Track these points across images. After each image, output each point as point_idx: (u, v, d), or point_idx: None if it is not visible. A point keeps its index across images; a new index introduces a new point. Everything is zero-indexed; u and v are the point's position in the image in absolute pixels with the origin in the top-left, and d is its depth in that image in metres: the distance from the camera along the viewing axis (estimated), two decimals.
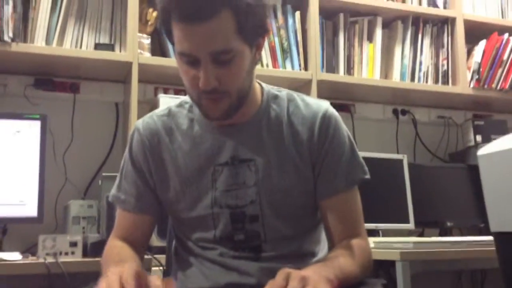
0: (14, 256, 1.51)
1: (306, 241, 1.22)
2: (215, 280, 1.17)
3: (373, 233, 2.27)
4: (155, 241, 1.64)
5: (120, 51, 2.15)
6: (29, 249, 1.89)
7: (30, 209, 1.89)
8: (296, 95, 1.24)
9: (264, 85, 1.25)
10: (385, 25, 2.66)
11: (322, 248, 1.26)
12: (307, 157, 1.18)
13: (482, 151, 1.43)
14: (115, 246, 1.20)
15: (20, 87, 2.16)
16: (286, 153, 1.18)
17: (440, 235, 2.53)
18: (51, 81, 2.22)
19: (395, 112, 2.82)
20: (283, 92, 1.25)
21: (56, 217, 2.09)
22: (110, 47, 2.12)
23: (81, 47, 2.10)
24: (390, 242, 1.92)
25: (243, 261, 1.16)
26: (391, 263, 1.81)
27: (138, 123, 1.26)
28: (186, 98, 1.27)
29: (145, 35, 2.20)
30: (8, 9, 1.95)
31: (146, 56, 2.16)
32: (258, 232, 1.17)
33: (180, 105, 1.26)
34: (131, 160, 1.24)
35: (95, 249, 1.55)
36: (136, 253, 1.20)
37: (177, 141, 1.21)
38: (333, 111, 1.23)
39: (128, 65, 2.10)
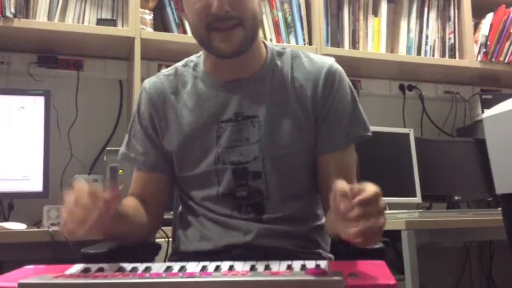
0: (19, 226, 1.52)
1: (308, 202, 1.22)
2: (214, 241, 1.17)
3: None
4: None
5: (122, 26, 2.14)
6: (36, 224, 1.90)
7: (35, 184, 1.90)
8: (300, 52, 1.24)
9: (267, 42, 1.25)
10: None
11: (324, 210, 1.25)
12: (310, 112, 1.18)
13: (487, 113, 1.41)
14: (125, 201, 1.20)
15: (24, 65, 2.17)
16: (289, 109, 1.17)
17: (448, 208, 2.51)
18: (55, 58, 2.22)
19: (401, 87, 2.80)
20: (288, 49, 1.24)
21: (62, 192, 2.09)
22: (112, 22, 2.11)
23: (83, 22, 2.10)
24: (396, 213, 1.91)
25: (244, 221, 1.16)
26: (397, 236, 1.79)
27: (145, 83, 1.27)
28: (191, 57, 1.27)
29: (147, 11, 2.19)
30: None
31: (149, 31, 2.15)
32: (260, 189, 1.16)
33: (186, 64, 1.26)
34: (138, 118, 1.25)
35: None
36: (143, 209, 1.21)
37: (182, 99, 1.22)
38: (337, 66, 1.22)
39: (131, 40, 2.09)
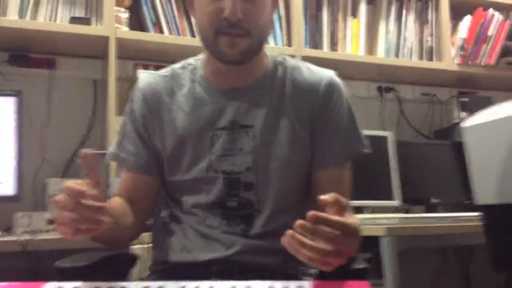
0: None
1: (297, 215, 1.17)
2: (196, 254, 1.14)
3: (358, 210, 2.25)
4: None
5: (96, 25, 2.08)
6: (7, 229, 1.83)
7: (7, 188, 1.83)
8: (300, 63, 1.23)
9: (268, 52, 1.23)
10: (370, 0, 2.62)
11: None
12: (307, 125, 1.16)
13: (467, 123, 1.41)
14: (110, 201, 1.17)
15: None
16: (286, 121, 1.16)
17: (426, 212, 2.52)
18: (27, 57, 2.14)
19: (379, 89, 2.79)
20: (288, 60, 1.23)
21: (35, 196, 2.03)
22: (85, 21, 2.04)
23: (55, 20, 2.03)
24: (376, 218, 1.90)
25: (229, 235, 1.13)
26: (376, 240, 1.79)
27: (139, 82, 1.24)
28: (188, 60, 1.25)
29: (122, 9, 2.12)
30: None
31: (124, 31, 2.09)
32: (252, 201, 1.14)
33: (183, 67, 1.24)
34: (131, 118, 1.22)
35: None
36: (130, 210, 1.18)
37: (177, 102, 1.19)
38: (337, 79, 1.21)
39: (105, 39, 2.03)
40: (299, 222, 0.80)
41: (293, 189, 1.17)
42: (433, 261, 2.68)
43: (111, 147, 1.26)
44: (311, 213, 0.80)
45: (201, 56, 1.23)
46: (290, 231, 0.81)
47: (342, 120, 1.18)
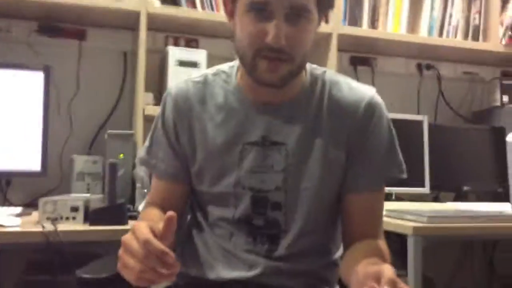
0: (12, 221, 1.47)
1: (323, 237, 1.16)
2: (217, 272, 1.12)
3: (386, 196, 2.19)
4: None
5: None
6: (32, 203, 1.86)
7: (33, 163, 1.84)
8: (341, 78, 1.16)
9: (307, 65, 1.15)
10: None
11: (337, 245, 1.20)
12: (343, 146, 1.10)
13: (510, 137, 1.33)
14: (150, 213, 1.15)
15: (24, 33, 2.06)
16: (321, 141, 1.10)
17: (455, 199, 2.44)
18: (56, 27, 2.11)
19: (418, 66, 2.67)
20: (327, 74, 1.16)
21: (61, 171, 2.04)
22: None
23: None
24: (403, 212, 1.84)
25: (254, 256, 1.11)
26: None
27: (171, 87, 1.19)
28: (222, 66, 1.19)
29: None
30: None
31: (156, 6, 2.03)
32: (278, 221, 1.10)
33: (217, 74, 1.18)
34: (162, 124, 1.18)
35: (96, 216, 1.50)
36: None
37: (208, 111, 1.14)
38: (378, 99, 1.14)
39: (136, 14, 1.99)
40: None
41: (323, 210, 1.13)
42: (456, 249, 2.63)
43: (142, 152, 1.23)
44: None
45: (235, 63, 1.17)
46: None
47: (380, 145, 1.11)
